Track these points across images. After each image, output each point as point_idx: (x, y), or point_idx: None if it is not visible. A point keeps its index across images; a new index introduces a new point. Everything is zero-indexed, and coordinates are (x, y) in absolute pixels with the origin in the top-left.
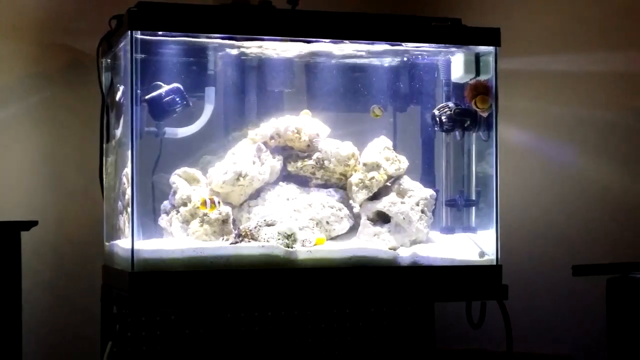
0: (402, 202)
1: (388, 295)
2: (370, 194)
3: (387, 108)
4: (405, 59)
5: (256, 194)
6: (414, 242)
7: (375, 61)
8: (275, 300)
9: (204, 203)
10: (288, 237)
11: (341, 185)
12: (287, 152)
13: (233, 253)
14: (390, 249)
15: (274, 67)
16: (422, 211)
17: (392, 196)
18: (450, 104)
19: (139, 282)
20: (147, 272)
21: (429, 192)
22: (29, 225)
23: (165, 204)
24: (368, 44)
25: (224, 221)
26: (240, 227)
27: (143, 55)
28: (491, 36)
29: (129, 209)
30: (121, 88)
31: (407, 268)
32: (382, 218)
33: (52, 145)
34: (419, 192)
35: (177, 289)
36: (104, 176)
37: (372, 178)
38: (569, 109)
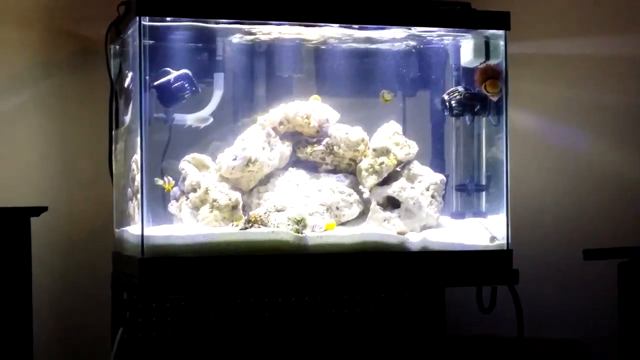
0: (412, 187)
1: (398, 281)
2: (380, 179)
3: (397, 93)
4: (414, 43)
5: (266, 180)
6: (424, 227)
7: (384, 46)
8: (285, 286)
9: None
10: (298, 222)
11: (351, 171)
12: (297, 137)
13: (243, 239)
14: (399, 233)
15: (283, 52)
16: (432, 196)
17: (402, 181)
18: (460, 89)
19: (149, 268)
20: (157, 258)
21: (439, 177)
22: (38, 211)
23: (175, 190)
24: (377, 28)
25: (234, 207)
26: (250, 213)
27: (151, 42)
28: (501, 20)
29: (139, 195)
30: (130, 74)
31: (417, 253)
32: (392, 203)
33: (62, 131)
34: (429, 177)
35: (187, 275)
36: (114, 163)
37: (382, 163)
38: (580, 93)
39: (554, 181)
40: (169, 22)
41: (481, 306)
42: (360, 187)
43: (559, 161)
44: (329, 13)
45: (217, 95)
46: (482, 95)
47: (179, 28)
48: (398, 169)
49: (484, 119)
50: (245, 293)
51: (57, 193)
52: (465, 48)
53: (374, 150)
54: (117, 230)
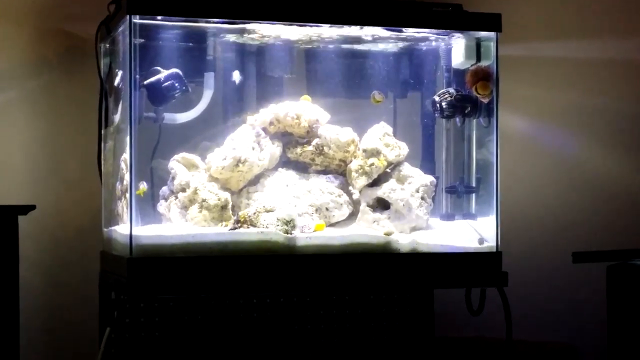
0: (402, 189)
1: (387, 282)
2: (370, 180)
3: (388, 94)
4: (405, 44)
5: (255, 180)
6: (413, 229)
7: (375, 47)
8: (274, 286)
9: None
10: (287, 223)
11: (341, 172)
12: (287, 138)
13: (232, 239)
14: (386, 234)
15: (273, 52)
16: (422, 198)
17: (392, 182)
18: (451, 90)
19: (137, 268)
20: (146, 258)
21: (429, 179)
22: (26, 209)
23: (164, 189)
24: (368, 29)
25: (223, 207)
26: (239, 213)
27: (142, 40)
28: (492, 22)
29: (128, 195)
30: (120, 73)
31: (406, 255)
32: (381, 204)
33: (50, 130)
34: (419, 178)
35: (176, 275)
36: (103, 162)
37: (372, 164)
38: (571, 95)
39: (544, 183)
40: (159, 21)
41: (470, 308)
42: (350, 188)
43: (549, 163)
44: (320, 13)
45: (207, 95)
46: (473, 97)
47: (170, 27)
48: (388, 170)
49: (474, 120)
50: (233, 293)
51: (45, 191)
52: (457, 49)
53: (364, 151)
54: (105, 229)
